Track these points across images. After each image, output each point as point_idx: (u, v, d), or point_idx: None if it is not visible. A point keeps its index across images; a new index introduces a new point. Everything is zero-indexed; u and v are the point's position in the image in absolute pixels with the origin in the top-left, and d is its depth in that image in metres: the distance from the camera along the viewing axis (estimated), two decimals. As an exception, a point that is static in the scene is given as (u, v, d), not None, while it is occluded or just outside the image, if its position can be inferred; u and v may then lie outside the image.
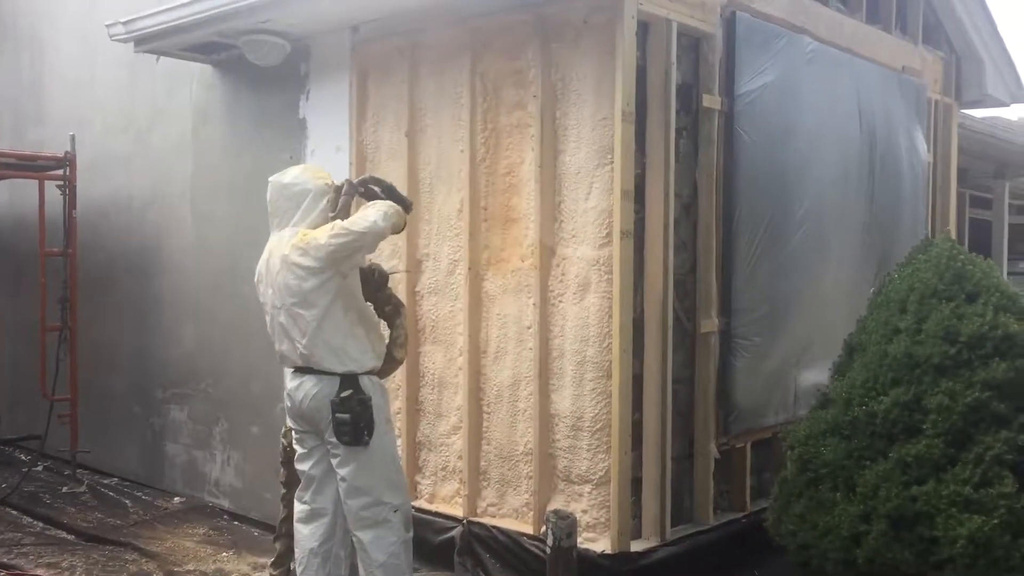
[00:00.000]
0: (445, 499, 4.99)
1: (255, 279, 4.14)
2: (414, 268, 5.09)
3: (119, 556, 5.51)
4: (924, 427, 3.25)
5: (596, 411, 4.35)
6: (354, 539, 4.02)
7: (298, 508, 4.15)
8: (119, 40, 5.94)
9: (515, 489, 4.69)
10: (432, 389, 5.05)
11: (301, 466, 4.12)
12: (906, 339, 3.39)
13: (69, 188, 6.91)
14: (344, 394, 3.89)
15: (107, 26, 5.92)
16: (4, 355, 8.30)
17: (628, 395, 4.26)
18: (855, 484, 3.34)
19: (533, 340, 4.53)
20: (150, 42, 5.82)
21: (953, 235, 6.44)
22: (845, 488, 3.38)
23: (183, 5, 5.35)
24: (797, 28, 5.26)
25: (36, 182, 7.14)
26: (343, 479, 3.98)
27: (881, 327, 3.54)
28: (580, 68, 4.41)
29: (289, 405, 4.09)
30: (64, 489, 6.95)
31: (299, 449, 4.16)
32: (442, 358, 4.99)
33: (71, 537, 5.89)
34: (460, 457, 4.87)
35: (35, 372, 7.12)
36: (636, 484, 4.47)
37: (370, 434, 3.91)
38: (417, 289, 5.11)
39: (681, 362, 4.72)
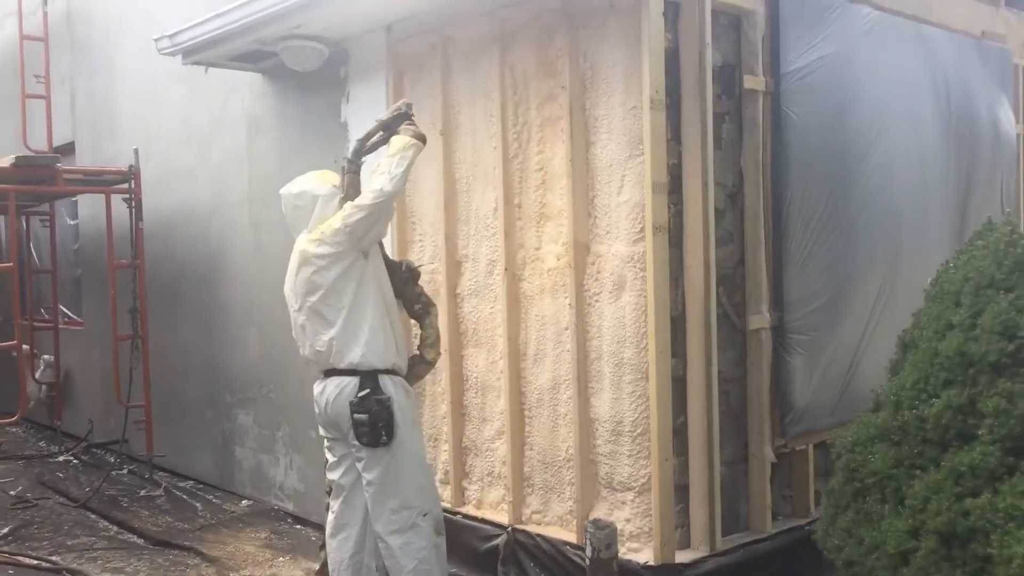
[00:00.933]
0: (492, 505, 4.86)
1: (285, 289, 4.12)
2: (454, 269, 4.97)
3: (182, 561, 5.61)
4: (979, 433, 2.92)
5: (636, 415, 4.14)
6: (381, 545, 3.93)
7: (328, 519, 4.09)
8: (167, 53, 6.02)
9: (559, 496, 4.52)
10: (476, 393, 4.92)
11: (331, 475, 4.07)
12: (959, 335, 3.06)
13: (135, 201, 7.07)
14: (362, 393, 3.81)
15: (155, 40, 6.01)
16: (96, 364, 8.60)
17: (668, 398, 4.03)
18: (904, 496, 3.03)
19: (570, 342, 4.35)
20: (195, 54, 5.86)
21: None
22: (894, 500, 3.07)
23: (218, 16, 5.36)
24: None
25: (104, 196, 7.35)
26: (369, 483, 3.90)
27: (934, 322, 3.21)
28: (609, 55, 4.19)
29: (317, 412, 4.04)
30: (142, 493, 7.15)
31: (329, 457, 4.11)
32: (484, 361, 4.86)
33: (140, 541, 6.04)
34: (504, 463, 4.73)
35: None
36: (684, 491, 4.23)
37: (389, 435, 3.82)
38: (458, 291, 4.98)
39: (732, 361, 4.46)
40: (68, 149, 9.06)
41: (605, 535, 3.98)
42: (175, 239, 7.50)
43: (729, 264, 4.46)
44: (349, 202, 3.83)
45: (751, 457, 4.49)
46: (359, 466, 3.93)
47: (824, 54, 4.59)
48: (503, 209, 4.65)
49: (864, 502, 3.17)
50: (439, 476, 5.06)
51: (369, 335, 3.83)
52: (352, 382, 3.85)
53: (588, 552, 3.96)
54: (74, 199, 8.80)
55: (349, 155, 4.05)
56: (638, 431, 4.13)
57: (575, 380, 4.33)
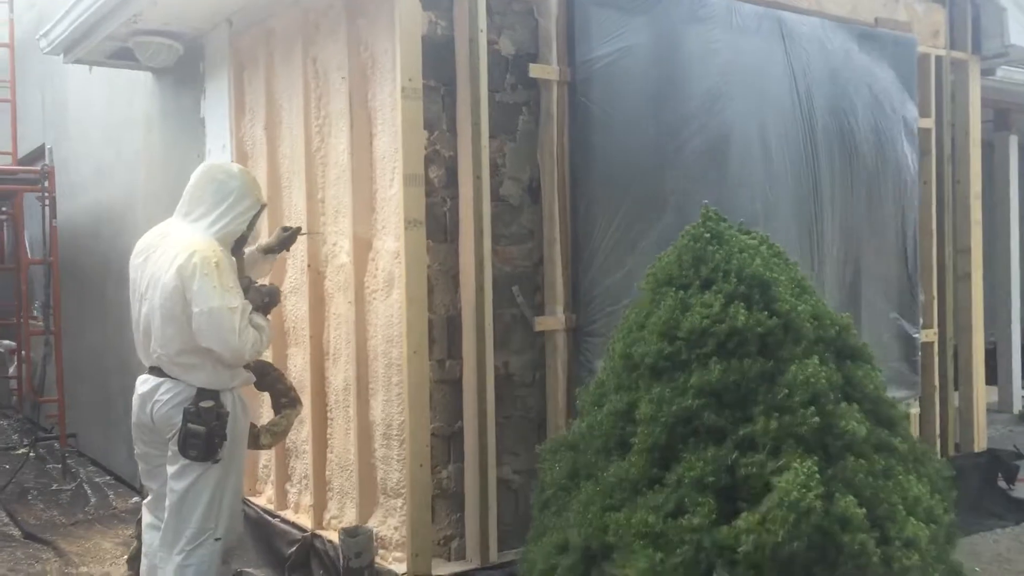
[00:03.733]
0: (306, 509, 4.73)
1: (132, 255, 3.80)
2: (279, 266, 4.86)
3: (38, 554, 5.63)
4: (633, 441, 2.67)
5: (402, 419, 3.96)
6: (161, 554, 3.67)
7: (145, 516, 3.93)
8: (47, 52, 6.09)
9: (352, 501, 4.36)
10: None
11: (150, 483, 3.84)
12: (627, 336, 2.81)
13: (49, 199, 7.19)
14: (205, 404, 3.51)
15: (36, 39, 6.09)
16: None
17: (423, 401, 3.84)
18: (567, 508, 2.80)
19: (352, 341, 4.20)
20: (70, 52, 5.92)
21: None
22: (561, 513, 2.84)
23: (67, 11, 5.39)
24: (689, -17, 4.61)
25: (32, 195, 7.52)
26: (173, 491, 3.60)
27: (625, 321, 2.96)
28: (383, 43, 4.04)
29: (135, 411, 3.70)
30: (53, 487, 7.24)
31: (143, 465, 3.84)
32: (301, 360, 4.74)
33: (16, 533, 6.09)
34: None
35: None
36: (462, 499, 4.04)
37: (219, 451, 3.54)
38: (283, 288, 4.87)
39: (529, 364, 4.24)
40: (39, 152, 9.34)
41: (356, 543, 3.83)
42: (100, 236, 7.60)
43: (528, 263, 4.25)
44: (221, 302, 3.46)
45: (548, 466, 4.24)
46: (170, 470, 3.61)
47: (634, 42, 4.33)
48: (306, 205, 4.53)
49: (542, 515, 2.93)
50: (271, 477, 4.97)
51: (207, 355, 3.53)
52: (187, 389, 3.54)
53: (340, 560, 3.81)
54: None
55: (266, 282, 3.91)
56: (404, 435, 3.95)
57: (355, 381, 4.18)
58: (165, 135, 6.29)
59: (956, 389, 6.05)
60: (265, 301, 3.74)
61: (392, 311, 3.99)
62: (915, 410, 5.63)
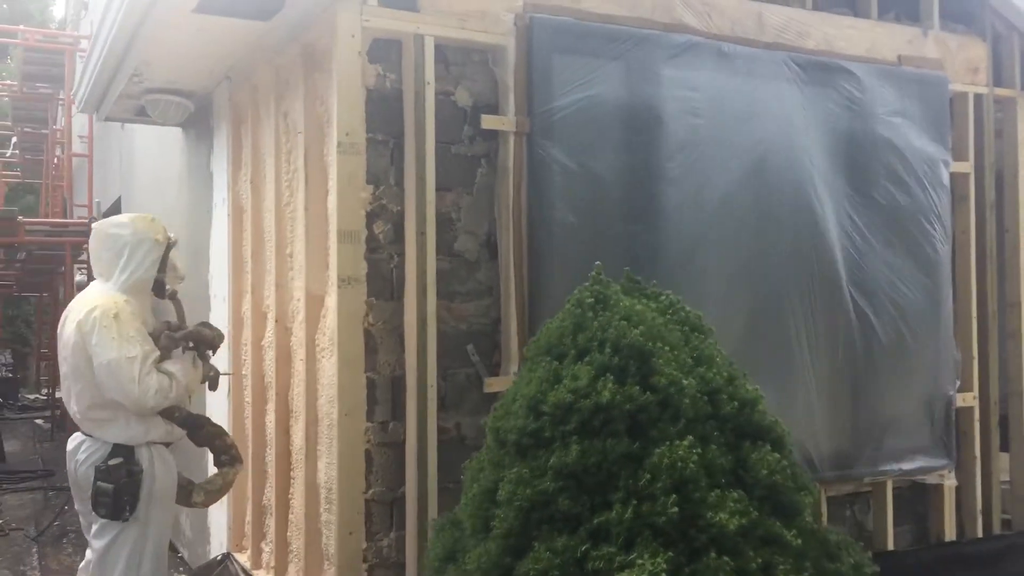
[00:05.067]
0: (276, 569, 4.64)
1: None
2: (260, 321, 4.86)
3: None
4: (493, 524, 2.44)
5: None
6: None
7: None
8: (81, 111, 6.38)
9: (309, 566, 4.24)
10: (269, 448, 4.75)
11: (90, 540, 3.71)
12: (500, 409, 2.60)
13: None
14: (113, 461, 3.47)
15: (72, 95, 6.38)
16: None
17: (356, 466, 3.71)
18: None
19: (303, 400, 4.11)
20: (97, 109, 6.16)
21: None
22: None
23: (82, 72, 5.61)
24: (671, 26, 4.39)
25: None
26: (93, 550, 3.59)
27: (507, 392, 2.75)
28: (335, 98, 3.99)
29: (68, 468, 3.70)
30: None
31: (82, 521, 3.75)
32: (272, 417, 4.68)
33: (38, 577, 6.27)
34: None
35: None
36: (403, 569, 3.86)
37: (132, 510, 3.48)
38: (263, 343, 4.86)
39: (483, 427, 4.03)
40: (117, 206, 9.84)
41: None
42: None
43: (485, 320, 4.08)
44: (128, 359, 3.42)
45: (504, 536, 4.01)
46: (92, 528, 3.60)
47: (603, 90, 4.12)
48: (275, 258, 4.51)
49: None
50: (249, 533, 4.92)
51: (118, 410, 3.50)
52: (103, 447, 3.52)
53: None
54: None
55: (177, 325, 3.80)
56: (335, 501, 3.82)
57: (305, 441, 4.08)
58: (189, 189, 6.46)
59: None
60: (186, 345, 3.67)
61: (334, 370, 3.88)
62: (950, 482, 5.10)
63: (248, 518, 5.01)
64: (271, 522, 4.74)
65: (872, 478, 4.84)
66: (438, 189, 3.96)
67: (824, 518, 4.70)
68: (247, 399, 4.92)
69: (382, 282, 3.90)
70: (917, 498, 5.19)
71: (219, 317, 5.39)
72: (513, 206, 4.01)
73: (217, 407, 5.28)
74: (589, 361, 2.45)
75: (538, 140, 4.01)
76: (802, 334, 4.56)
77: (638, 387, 2.41)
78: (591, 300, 2.62)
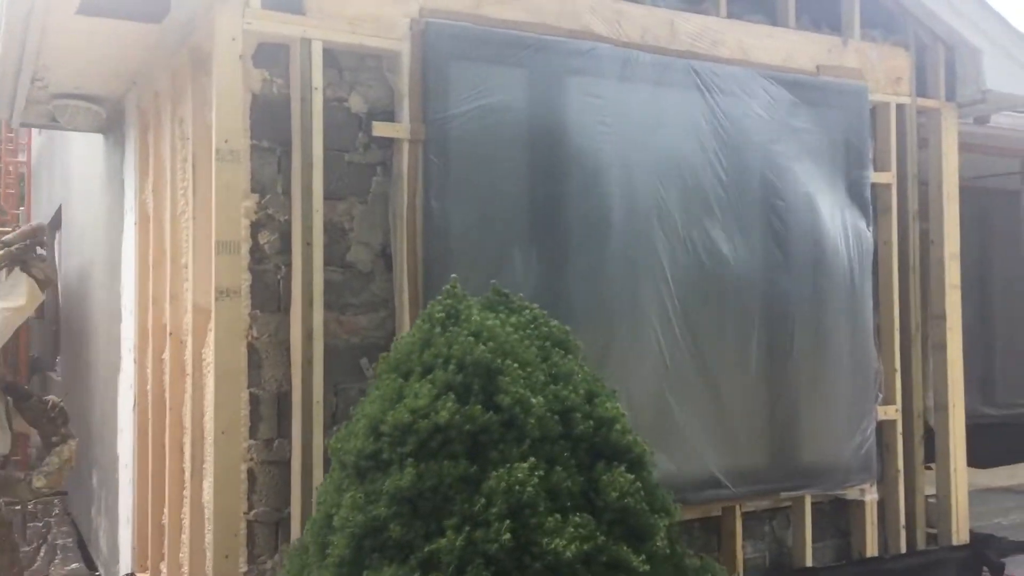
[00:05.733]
0: (173, 591, 4.47)
1: None
2: (160, 337, 4.69)
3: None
4: (328, 553, 2.31)
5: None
6: None
7: None
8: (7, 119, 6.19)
9: (200, 587, 4.08)
10: (166, 466, 4.58)
11: None
12: (344, 429, 2.47)
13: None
14: None
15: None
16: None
17: (233, 486, 3.57)
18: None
19: (191, 417, 3.96)
20: (11, 115, 5.98)
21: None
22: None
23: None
24: (578, 33, 4.30)
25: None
26: None
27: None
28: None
29: None
30: (24, 546, 7.22)
31: None
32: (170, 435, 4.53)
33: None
34: (173, 545, 4.35)
35: None
36: (290, 592, 3.70)
37: None
38: (163, 357, 4.69)
39: (380, 443, 3.90)
40: (59, 214, 9.62)
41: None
42: (85, 296, 7.65)
43: (380, 333, 3.95)
44: None
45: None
46: None
47: (504, 97, 4.02)
48: (170, 269, 4.36)
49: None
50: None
51: None
52: None
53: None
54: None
55: None
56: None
57: (192, 460, 3.93)
58: (109, 197, 6.28)
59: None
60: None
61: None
62: (871, 497, 5.02)
63: (149, 538, 4.84)
64: (167, 542, 4.58)
65: (788, 493, 4.75)
66: (330, 198, 3.84)
67: (739, 535, 4.62)
68: (149, 415, 4.76)
69: (268, 294, 3.76)
70: (839, 513, 5.11)
71: (127, 329, 5.23)
72: (408, 216, 3.89)
73: (125, 422, 5.13)
74: (431, 379, 2.33)
75: (434, 148, 3.90)
76: (714, 348, 4.46)
77: (481, 406, 2.29)
78: (442, 315, 2.50)
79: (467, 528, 2.14)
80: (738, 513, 4.61)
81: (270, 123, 3.78)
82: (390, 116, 3.98)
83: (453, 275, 2.78)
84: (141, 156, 5.09)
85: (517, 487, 2.17)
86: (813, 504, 4.89)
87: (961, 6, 5.38)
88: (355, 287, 3.91)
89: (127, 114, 5.44)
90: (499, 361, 2.36)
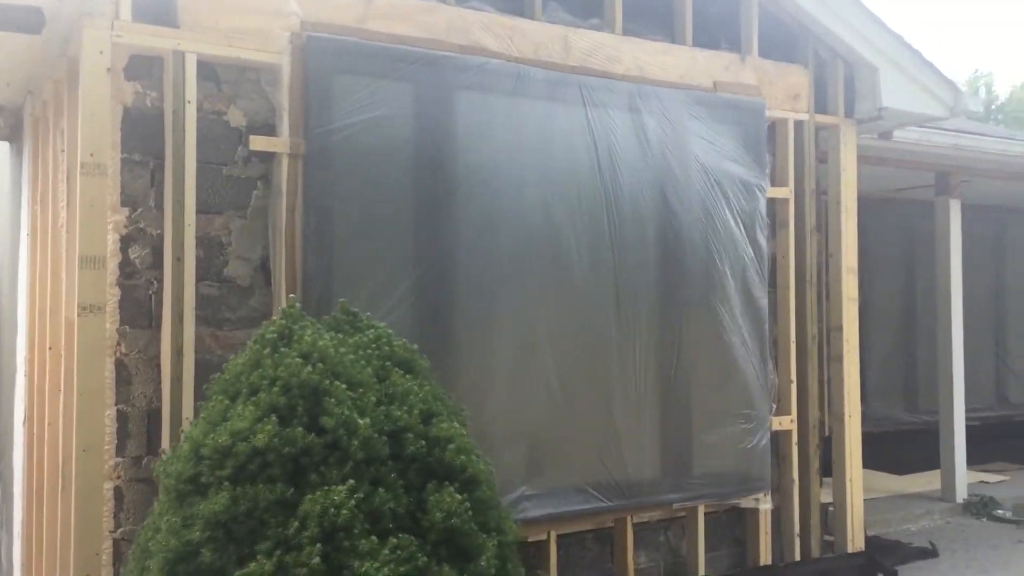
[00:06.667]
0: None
1: None
2: (43, 348, 4.61)
3: None
4: (148, 578, 2.29)
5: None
6: None
7: None
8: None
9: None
10: (44, 483, 4.50)
11: None
12: (171, 452, 2.45)
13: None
14: None
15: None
16: None
17: (95, 507, 3.52)
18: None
19: (62, 434, 3.89)
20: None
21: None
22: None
23: None
24: (468, 49, 4.30)
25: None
26: None
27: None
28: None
29: None
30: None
31: None
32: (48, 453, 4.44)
33: None
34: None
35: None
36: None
37: None
38: (47, 371, 4.61)
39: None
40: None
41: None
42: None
43: (258, 349, 3.90)
44: None
45: None
46: None
47: (390, 111, 4.02)
48: (51, 283, 4.29)
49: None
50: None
51: None
52: None
53: None
54: None
55: None
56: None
57: (61, 477, 3.85)
58: (11, 206, 6.17)
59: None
60: None
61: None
62: (766, 506, 5.08)
63: (33, 555, 4.74)
64: (44, 560, 4.49)
65: (681, 504, 4.79)
66: (207, 212, 3.81)
67: (630, 546, 4.65)
68: (35, 430, 4.67)
69: (139, 309, 3.71)
70: (736, 523, 5.17)
71: (21, 341, 5.14)
72: (287, 230, 3.86)
73: (19, 435, 5.03)
74: (255, 401, 2.32)
75: (315, 162, 3.88)
76: (603, 360, 4.50)
77: (303, 428, 2.28)
78: (274, 336, 2.48)
79: (278, 552, 2.12)
80: (629, 524, 4.64)
81: (143, 136, 3.73)
82: (272, 130, 3.96)
83: (341, 301, 2.76)
84: (32, 166, 5.01)
85: (332, 510, 2.16)
86: (709, 514, 4.94)
87: (858, 24, 5.49)
88: (233, 302, 3.87)
89: (25, 123, 5.34)
90: (327, 383, 2.35)
